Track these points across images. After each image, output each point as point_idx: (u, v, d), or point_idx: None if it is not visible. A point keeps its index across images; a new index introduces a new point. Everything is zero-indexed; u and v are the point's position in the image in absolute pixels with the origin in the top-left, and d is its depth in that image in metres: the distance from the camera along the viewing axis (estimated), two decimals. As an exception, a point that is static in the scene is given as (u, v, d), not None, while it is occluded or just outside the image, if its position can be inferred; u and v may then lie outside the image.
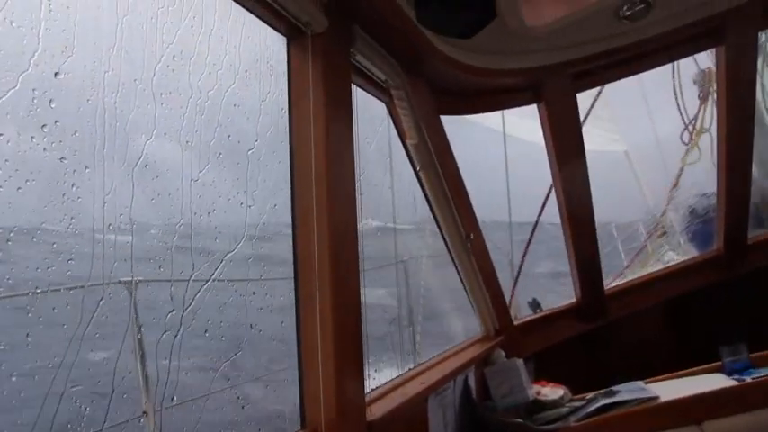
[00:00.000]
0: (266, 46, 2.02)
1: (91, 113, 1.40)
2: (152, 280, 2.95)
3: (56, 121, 1.37)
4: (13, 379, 1.61)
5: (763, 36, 3.91)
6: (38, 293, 1.95)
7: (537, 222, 4.75)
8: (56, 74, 1.32)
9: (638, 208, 8.22)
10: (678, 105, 5.60)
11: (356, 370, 2.12)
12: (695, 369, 3.55)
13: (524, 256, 4.97)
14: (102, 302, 1.54)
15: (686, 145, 5.69)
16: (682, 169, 6.46)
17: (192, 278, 1.78)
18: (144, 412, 3.04)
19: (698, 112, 5.54)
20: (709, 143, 5.64)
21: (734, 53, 3.46)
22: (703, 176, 5.83)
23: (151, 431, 3.10)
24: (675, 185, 6.87)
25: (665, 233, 7.66)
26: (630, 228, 8.30)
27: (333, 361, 1.96)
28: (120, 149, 1.45)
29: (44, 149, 1.32)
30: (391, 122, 2.98)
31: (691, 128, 5.56)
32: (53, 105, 1.34)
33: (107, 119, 1.42)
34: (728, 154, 3.86)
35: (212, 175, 1.72)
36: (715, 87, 5.34)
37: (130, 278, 2.93)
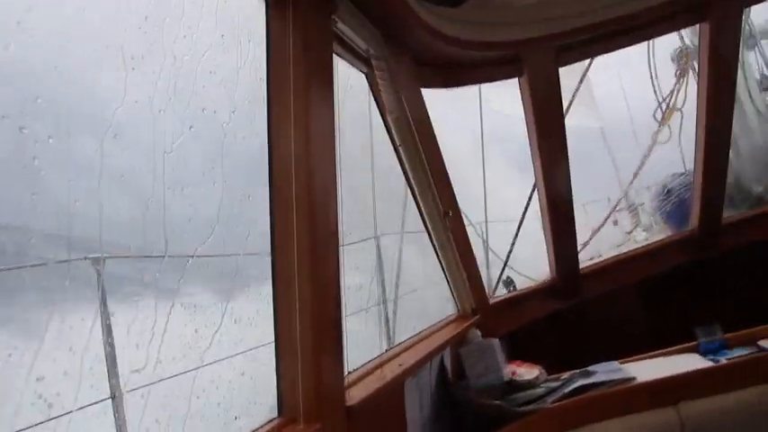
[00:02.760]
0: (243, 9, 1.89)
1: (56, 78, 1.27)
2: (121, 256, 2.81)
3: (8, 83, 1.24)
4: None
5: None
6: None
7: (525, 212, 4.70)
8: (18, 23, 1.18)
9: (609, 185, 8.20)
10: (653, 83, 5.58)
11: (335, 354, 2.03)
12: (670, 349, 3.54)
13: (513, 244, 4.93)
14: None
15: (659, 123, 5.68)
16: (651, 148, 6.47)
17: (167, 255, 1.66)
18: (112, 395, 2.92)
19: (673, 89, 5.52)
20: (679, 122, 5.65)
21: (717, 30, 3.40)
22: (675, 155, 5.84)
23: (120, 413, 2.98)
24: (642, 165, 6.89)
25: (635, 211, 7.69)
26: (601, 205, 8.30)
27: (311, 345, 1.87)
28: (87, 118, 1.32)
29: (1, 117, 1.19)
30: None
31: (664, 106, 5.55)
32: (12, 68, 1.21)
33: (73, 84, 1.29)
34: (708, 132, 3.82)
35: (187, 148, 1.59)
36: (693, 65, 5.34)
37: (98, 255, 2.80)
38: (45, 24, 1.28)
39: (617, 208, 8.13)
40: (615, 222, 7.98)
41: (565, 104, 3.70)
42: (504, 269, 4.73)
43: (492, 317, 3.89)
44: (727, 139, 3.88)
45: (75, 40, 1.35)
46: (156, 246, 1.50)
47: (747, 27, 5.65)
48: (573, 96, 4.85)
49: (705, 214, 4.18)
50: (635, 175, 7.28)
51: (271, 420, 1.86)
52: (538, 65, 3.31)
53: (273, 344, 1.92)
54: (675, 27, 3.83)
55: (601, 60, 4.28)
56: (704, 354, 3.41)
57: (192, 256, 1.67)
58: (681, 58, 5.29)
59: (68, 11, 1.35)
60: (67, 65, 1.32)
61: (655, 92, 5.64)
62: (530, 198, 4.57)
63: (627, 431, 2.96)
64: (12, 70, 1.22)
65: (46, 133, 1.26)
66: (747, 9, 3.78)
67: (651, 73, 5.54)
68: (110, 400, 3.08)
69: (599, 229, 7.51)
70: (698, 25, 3.58)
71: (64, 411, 1.59)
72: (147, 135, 1.47)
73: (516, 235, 4.87)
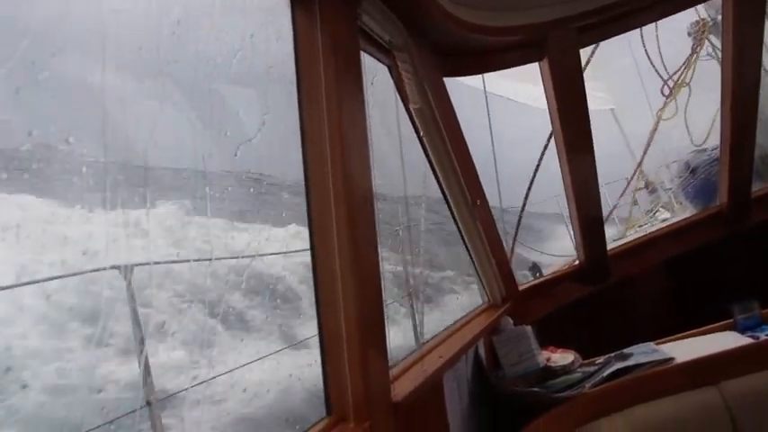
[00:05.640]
0: (269, 8, 1.86)
1: (96, 88, 1.25)
2: (146, 263, 2.81)
3: (52, 97, 1.23)
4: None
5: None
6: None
7: (532, 182, 4.68)
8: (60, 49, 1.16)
9: (625, 165, 8.16)
10: (650, 62, 5.53)
11: (380, 349, 2.02)
12: (706, 328, 3.49)
13: (519, 220, 4.90)
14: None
15: (665, 98, 5.62)
16: (656, 124, 6.42)
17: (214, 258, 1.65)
18: (147, 402, 2.91)
19: (685, 62, 5.47)
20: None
21: (742, 1, 3.34)
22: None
23: (155, 419, 2.99)
24: (649, 144, 6.86)
25: (655, 191, 7.64)
26: (619, 185, 8.27)
27: (358, 341, 1.85)
28: (130, 126, 1.30)
29: (48, 131, 1.17)
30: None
31: (671, 82, 5.49)
32: (54, 81, 1.19)
33: (115, 94, 1.27)
34: (734, 106, 3.76)
35: (227, 151, 1.57)
36: (710, 38, 5.29)
37: (126, 264, 2.79)
38: (80, 33, 1.26)
39: (635, 188, 8.10)
40: (635, 202, 7.94)
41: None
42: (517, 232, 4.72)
43: (522, 304, 3.86)
44: (753, 113, 3.82)
45: (110, 47, 1.33)
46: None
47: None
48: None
49: (734, 189, 4.12)
50: (644, 153, 7.25)
51: (320, 420, 1.85)
52: (558, 47, 3.27)
53: (318, 342, 1.91)
54: (696, 1, 3.77)
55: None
56: (742, 331, 3.36)
57: (238, 258, 1.66)
58: (698, 31, 5.22)
59: (104, 17, 1.32)
60: (106, 73, 1.30)
61: (655, 68, 5.59)
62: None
63: (669, 412, 2.93)
64: (53, 79, 1.20)
65: (93, 146, 1.24)
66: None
67: (646, 50, 5.49)
68: (146, 407, 3.10)
69: (614, 207, 7.51)
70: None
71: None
72: (188, 141, 1.46)
73: (525, 199, 4.86)
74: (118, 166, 1.29)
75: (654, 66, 5.58)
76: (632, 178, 7.84)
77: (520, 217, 4.84)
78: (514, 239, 4.76)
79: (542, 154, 4.47)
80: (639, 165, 7.64)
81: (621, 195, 7.74)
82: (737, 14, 3.38)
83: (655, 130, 6.61)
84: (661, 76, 5.56)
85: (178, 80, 1.48)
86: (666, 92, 5.62)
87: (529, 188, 4.83)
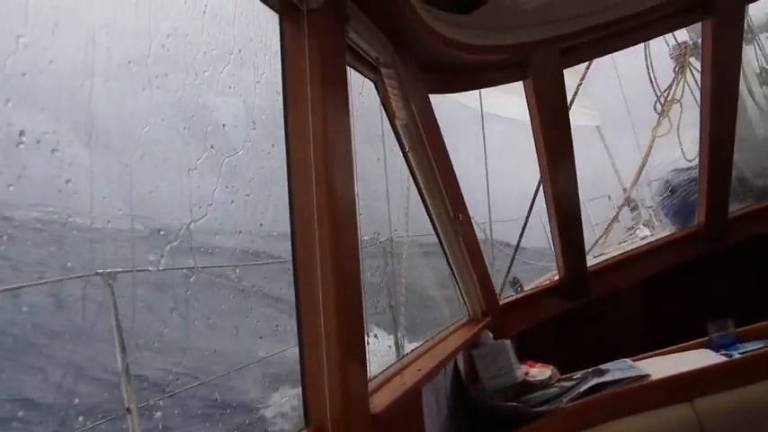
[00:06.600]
0: (258, 23, 1.89)
1: (85, 99, 1.27)
2: (130, 270, 2.81)
3: (42, 108, 1.25)
4: None
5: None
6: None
7: (531, 208, 4.70)
8: (45, 49, 1.19)
9: (608, 183, 8.21)
10: (651, 78, 5.59)
11: (359, 361, 2.03)
12: (682, 345, 3.54)
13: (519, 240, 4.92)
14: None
15: (659, 115, 5.69)
16: (652, 142, 6.49)
17: (194, 267, 1.67)
18: (127, 409, 2.92)
19: (671, 84, 5.55)
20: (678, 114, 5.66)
21: (720, 27, 3.42)
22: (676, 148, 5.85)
23: (134, 428, 2.99)
24: (644, 164, 6.91)
25: (636, 208, 7.71)
26: (602, 202, 8.33)
27: (337, 352, 1.87)
28: (117, 138, 1.33)
29: (37, 141, 1.19)
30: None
31: (662, 99, 5.56)
32: (44, 93, 1.22)
33: (103, 105, 1.30)
34: (712, 128, 3.83)
35: (210, 163, 1.60)
36: (691, 61, 5.37)
37: (109, 270, 2.80)
38: (69, 45, 1.28)
39: (617, 205, 8.17)
40: (617, 219, 8.00)
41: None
42: (510, 268, 4.74)
43: (502, 318, 3.90)
44: (731, 134, 3.89)
45: (100, 60, 1.36)
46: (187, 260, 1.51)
47: (746, 21, 5.68)
48: (573, 96, 4.87)
49: (712, 209, 4.19)
50: (637, 176, 7.29)
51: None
52: (542, 67, 3.32)
53: (297, 353, 1.92)
54: (678, 25, 3.84)
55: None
56: (716, 349, 3.41)
57: (221, 267, 1.68)
58: (680, 54, 5.32)
59: (94, 29, 1.35)
60: (95, 85, 1.32)
61: (652, 84, 5.65)
62: (535, 195, 4.57)
63: (643, 428, 2.97)
64: (42, 90, 1.23)
65: (80, 156, 1.26)
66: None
67: (648, 68, 5.55)
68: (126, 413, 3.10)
69: (606, 232, 7.54)
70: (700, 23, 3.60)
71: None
72: (173, 153, 1.48)
73: (522, 233, 4.87)
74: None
75: (651, 81, 5.64)
76: (621, 207, 7.88)
77: (513, 256, 4.88)
78: (511, 263, 4.79)
79: (533, 201, 4.49)
80: (633, 184, 7.67)
81: (611, 222, 7.75)
82: (716, 36, 3.45)
83: (650, 147, 6.67)
84: (655, 91, 5.62)
85: (168, 93, 1.51)
86: (659, 109, 5.69)
87: (523, 228, 4.84)
